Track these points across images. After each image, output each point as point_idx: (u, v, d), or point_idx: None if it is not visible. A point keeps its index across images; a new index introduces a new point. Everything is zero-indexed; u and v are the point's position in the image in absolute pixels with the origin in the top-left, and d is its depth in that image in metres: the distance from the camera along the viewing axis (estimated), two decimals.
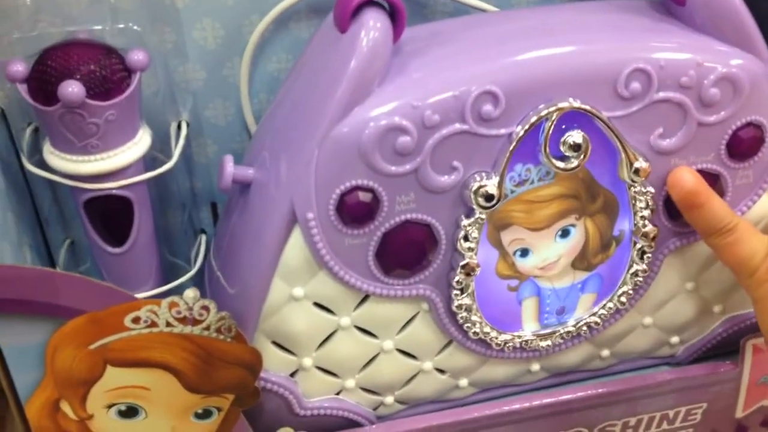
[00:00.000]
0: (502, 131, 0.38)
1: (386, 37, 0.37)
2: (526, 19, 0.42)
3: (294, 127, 0.38)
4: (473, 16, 0.44)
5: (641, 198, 0.41)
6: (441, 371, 0.44)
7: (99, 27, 0.42)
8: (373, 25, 0.36)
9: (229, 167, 0.39)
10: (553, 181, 0.41)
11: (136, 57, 0.41)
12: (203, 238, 0.48)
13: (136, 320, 0.35)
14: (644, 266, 0.43)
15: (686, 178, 0.41)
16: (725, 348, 0.49)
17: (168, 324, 0.35)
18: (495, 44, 0.39)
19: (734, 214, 0.41)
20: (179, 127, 0.46)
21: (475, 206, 0.39)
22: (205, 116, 0.47)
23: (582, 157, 0.39)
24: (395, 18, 0.37)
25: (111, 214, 0.44)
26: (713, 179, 0.42)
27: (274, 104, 0.41)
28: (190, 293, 0.35)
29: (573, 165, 0.39)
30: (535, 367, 0.46)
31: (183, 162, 0.46)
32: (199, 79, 0.46)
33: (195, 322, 0.36)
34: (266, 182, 0.39)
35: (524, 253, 0.42)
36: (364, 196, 0.37)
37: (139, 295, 0.39)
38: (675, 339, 0.48)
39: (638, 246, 0.43)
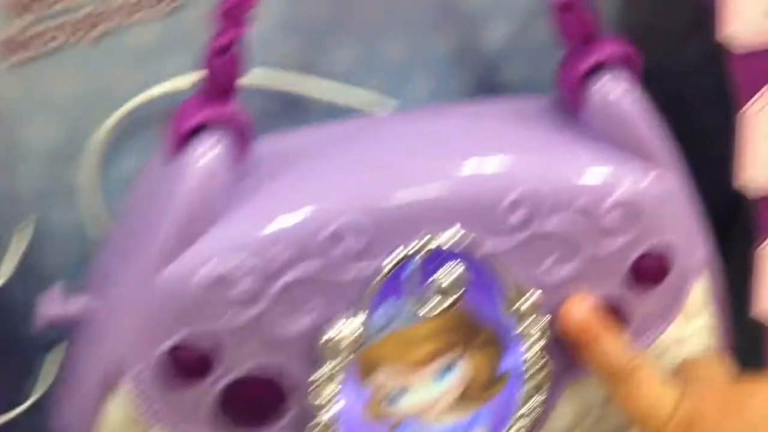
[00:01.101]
0: (363, 269, 0.33)
1: (222, 164, 0.31)
2: (403, 130, 0.36)
3: (119, 269, 0.33)
4: (346, 123, 0.37)
5: (532, 333, 0.36)
6: None
7: None
8: (203, 152, 0.31)
9: (44, 308, 0.33)
10: (429, 318, 0.36)
11: None
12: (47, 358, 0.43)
13: None
14: (540, 402, 0.39)
15: (574, 311, 0.35)
16: None
17: None
18: (361, 167, 0.33)
19: (635, 355, 0.36)
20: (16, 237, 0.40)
21: (331, 356, 0.34)
22: (49, 223, 0.41)
23: (457, 296, 0.34)
24: (242, 137, 0.32)
25: None
26: (613, 311, 0.37)
27: (109, 232, 0.36)
28: None
29: (446, 305, 0.34)
30: None
31: (20, 276, 0.40)
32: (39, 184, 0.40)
33: None
34: (92, 324, 0.34)
35: (401, 393, 0.37)
36: (195, 349, 0.32)
37: None
38: None
39: (531, 380, 0.38)
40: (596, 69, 0.35)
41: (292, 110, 0.40)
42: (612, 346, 0.35)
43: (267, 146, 0.33)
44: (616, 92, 0.34)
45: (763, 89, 0.37)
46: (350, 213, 0.31)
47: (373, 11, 0.40)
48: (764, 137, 0.37)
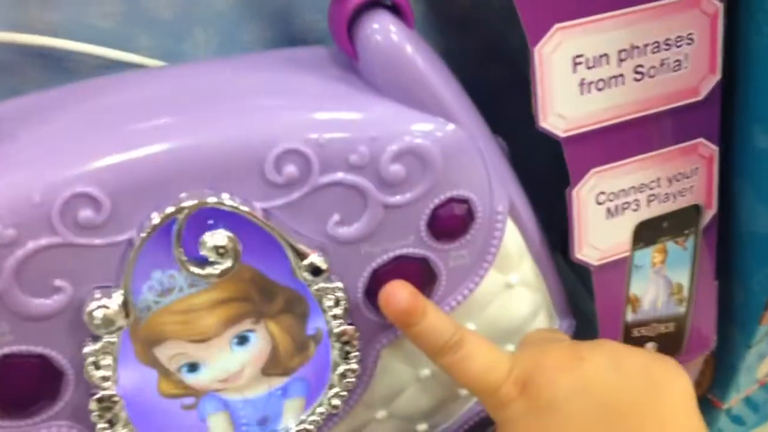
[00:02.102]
0: (117, 238, 0.30)
1: None
2: (160, 84, 0.33)
3: None
4: (91, 82, 0.34)
5: (328, 296, 0.34)
6: None
7: None
8: None
9: None
10: (212, 286, 0.33)
11: None
12: None
13: None
14: (353, 365, 0.37)
15: (397, 297, 0.33)
16: (484, 428, 0.43)
17: None
18: (101, 127, 0.30)
19: (460, 325, 0.34)
20: None
21: (96, 330, 0.31)
22: None
23: (233, 258, 0.32)
24: None
25: None
26: (420, 264, 0.35)
27: None
28: None
29: (222, 269, 0.32)
30: None
31: None
32: None
33: None
34: None
35: (193, 367, 0.35)
36: None
37: None
38: (422, 426, 0.42)
39: (337, 347, 0.36)
40: (364, 12, 0.32)
41: (59, 72, 0.37)
42: (435, 322, 0.34)
43: (4, 108, 0.30)
44: (388, 38, 0.31)
45: (553, 29, 0.34)
46: (80, 183, 0.28)
47: None
48: (559, 78, 0.35)
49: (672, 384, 0.33)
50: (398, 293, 0.34)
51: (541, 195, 0.38)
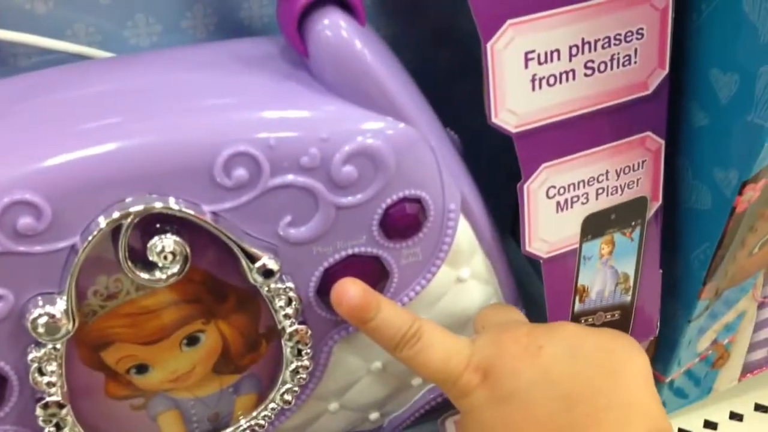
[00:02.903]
0: (60, 245, 0.29)
1: None
2: (103, 81, 0.32)
3: None
4: (27, 77, 0.32)
5: (280, 296, 0.34)
6: None
7: None
8: None
9: None
10: (159, 290, 0.33)
11: None
12: None
13: None
14: (305, 362, 0.36)
15: (348, 294, 0.33)
16: (438, 413, 0.44)
17: None
18: (40, 128, 0.29)
19: (416, 317, 0.34)
20: None
21: (40, 338, 0.30)
22: None
23: (182, 263, 0.31)
24: None
25: None
26: (372, 263, 0.35)
27: None
28: None
29: (170, 273, 0.31)
30: None
31: None
32: None
33: None
34: None
35: (141, 369, 0.34)
36: None
37: None
38: (374, 415, 0.42)
39: (289, 345, 0.36)
40: (314, 8, 0.31)
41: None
42: (390, 316, 0.33)
43: None
44: (338, 35, 0.31)
45: (505, 25, 0.34)
46: (19, 189, 0.27)
47: None
48: (510, 74, 0.35)
49: (630, 364, 0.34)
50: (349, 291, 0.34)
51: (493, 178, 0.38)
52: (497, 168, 0.38)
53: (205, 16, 0.37)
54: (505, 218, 0.44)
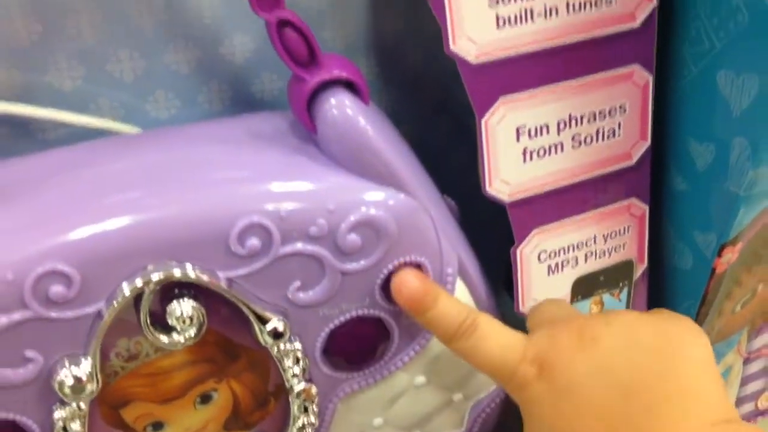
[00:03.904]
0: (87, 310, 0.31)
1: None
2: (126, 157, 0.34)
3: None
4: (55, 153, 0.35)
5: (288, 356, 0.36)
6: None
7: None
8: None
9: None
10: (176, 351, 0.35)
11: None
12: None
13: None
14: (311, 419, 0.38)
15: (407, 285, 0.35)
16: None
17: None
18: (69, 201, 0.32)
19: (472, 309, 0.35)
20: None
21: (66, 398, 0.32)
22: None
23: (198, 327, 0.33)
24: None
25: None
26: (375, 323, 0.37)
27: None
28: None
29: (188, 337, 0.33)
30: None
31: None
32: None
33: None
34: None
35: (158, 426, 0.36)
36: None
37: None
38: None
39: (297, 402, 0.38)
40: (322, 89, 0.34)
41: (22, 137, 0.38)
42: (448, 307, 0.35)
43: None
44: (344, 113, 0.34)
45: (497, 102, 0.37)
46: (51, 259, 0.30)
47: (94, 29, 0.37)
48: (503, 147, 0.38)
49: (689, 350, 0.32)
50: (409, 281, 0.35)
51: (487, 240, 0.41)
52: (492, 230, 0.41)
53: (221, 91, 0.40)
54: (500, 272, 0.47)
